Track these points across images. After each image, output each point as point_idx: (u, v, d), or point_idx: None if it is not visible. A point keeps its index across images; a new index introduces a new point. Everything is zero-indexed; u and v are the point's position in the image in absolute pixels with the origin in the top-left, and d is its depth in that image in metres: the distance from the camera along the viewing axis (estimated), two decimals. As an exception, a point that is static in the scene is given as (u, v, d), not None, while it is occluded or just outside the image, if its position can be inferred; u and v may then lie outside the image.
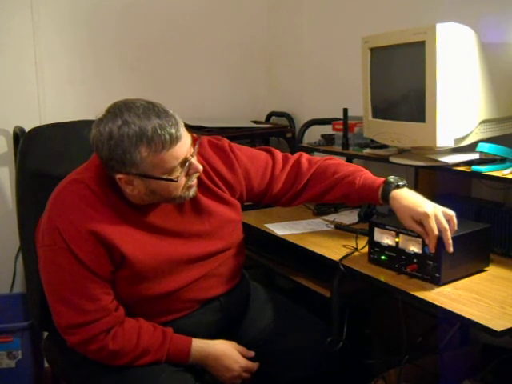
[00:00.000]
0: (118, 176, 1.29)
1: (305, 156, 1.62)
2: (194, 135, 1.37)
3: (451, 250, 1.34)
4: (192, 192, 1.38)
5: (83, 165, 1.41)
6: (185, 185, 1.34)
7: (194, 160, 1.34)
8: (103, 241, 1.30)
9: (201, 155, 1.45)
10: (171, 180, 1.30)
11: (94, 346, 1.32)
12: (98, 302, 1.32)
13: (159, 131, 1.23)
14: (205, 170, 1.45)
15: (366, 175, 1.52)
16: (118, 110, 1.26)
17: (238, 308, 1.58)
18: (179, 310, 1.45)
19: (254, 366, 1.48)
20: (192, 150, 1.33)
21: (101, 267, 1.31)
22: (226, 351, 1.44)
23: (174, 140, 1.25)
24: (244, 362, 1.46)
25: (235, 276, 1.57)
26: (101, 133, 1.26)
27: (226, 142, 1.56)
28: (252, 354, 1.49)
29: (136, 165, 1.26)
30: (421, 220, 1.36)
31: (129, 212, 1.36)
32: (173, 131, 1.25)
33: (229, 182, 1.51)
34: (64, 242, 1.29)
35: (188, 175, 1.34)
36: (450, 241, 1.34)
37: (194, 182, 1.38)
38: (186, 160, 1.30)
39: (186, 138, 1.30)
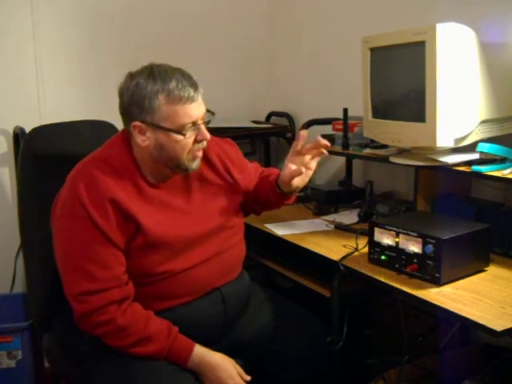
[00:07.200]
0: (134, 123, 1.37)
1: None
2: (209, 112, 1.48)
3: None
4: (195, 164, 1.45)
5: (102, 146, 1.48)
6: (191, 149, 1.41)
7: (204, 128, 1.41)
8: (122, 210, 1.36)
9: (217, 144, 1.59)
10: (180, 133, 1.37)
11: (103, 317, 1.33)
12: (111, 269, 1.35)
13: (180, 86, 1.36)
14: (217, 154, 1.57)
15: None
16: (150, 66, 1.40)
17: (238, 301, 1.56)
18: (181, 294, 1.45)
19: None
20: (204, 120, 1.42)
21: (117, 235, 1.36)
22: (224, 364, 1.43)
23: (191, 98, 1.37)
24: (239, 381, 1.43)
25: (235, 267, 1.58)
26: (129, 82, 1.38)
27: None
28: (248, 378, 1.45)
29: (152, 112, 1.35)
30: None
31: (145, 187, 1.43)
32: (191, 90, 1.37)
33: (236, 175, 1.59)
34: (84, 210, 1.34)
35: (196, 141, 1.41)
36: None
37: (200, 153, 1.45)
38: (197, 123, 1.39)
39: (201, 105, 1.41)
